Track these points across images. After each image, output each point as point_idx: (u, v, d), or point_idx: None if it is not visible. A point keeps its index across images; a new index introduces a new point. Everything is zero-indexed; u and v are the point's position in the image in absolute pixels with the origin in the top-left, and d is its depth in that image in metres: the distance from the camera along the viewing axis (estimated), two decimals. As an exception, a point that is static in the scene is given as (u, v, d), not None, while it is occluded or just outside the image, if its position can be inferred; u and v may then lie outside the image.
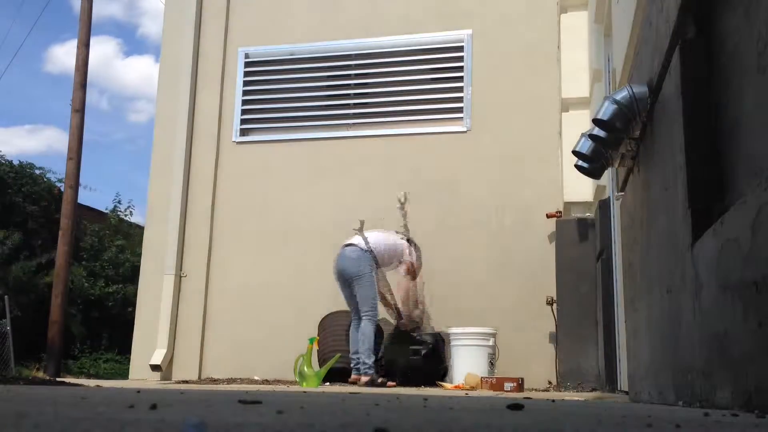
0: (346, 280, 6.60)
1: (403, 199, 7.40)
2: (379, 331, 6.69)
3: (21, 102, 50.50)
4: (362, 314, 6.48)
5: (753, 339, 1.92)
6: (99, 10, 52.21)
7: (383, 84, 8.39)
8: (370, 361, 6.34)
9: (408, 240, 6.92)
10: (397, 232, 6.98)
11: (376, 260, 6.62)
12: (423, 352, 6.68)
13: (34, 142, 47.78)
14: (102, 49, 51.04)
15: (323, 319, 7.20)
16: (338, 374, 6.68)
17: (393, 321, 6.99)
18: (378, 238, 6.75)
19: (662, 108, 3.23)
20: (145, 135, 66.68)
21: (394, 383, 6.34)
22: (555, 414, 1.95)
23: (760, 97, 2.13)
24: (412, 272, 6.82)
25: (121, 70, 54.06)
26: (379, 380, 6.30)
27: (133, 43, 59.87)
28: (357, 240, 6.71)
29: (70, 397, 2.38)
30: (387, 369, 6.66)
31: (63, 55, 52.20)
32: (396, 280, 6.92)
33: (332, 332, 7.06)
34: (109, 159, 54.66)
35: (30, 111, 53.58)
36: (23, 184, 17.05)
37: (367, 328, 6.42)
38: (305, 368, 6.42)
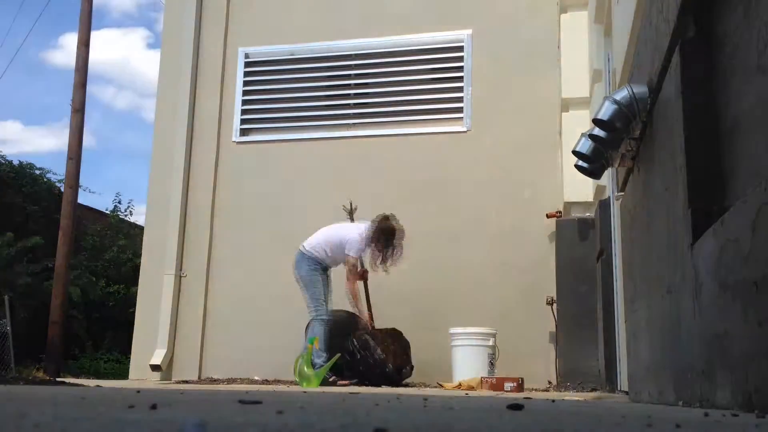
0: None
1: (350, 208, 7.30)
2: (338, 329, 6.67)
3: (44, 99, 50.32)
4: (311, 315, 6.61)
5: (753, 339, 1.92)
6: (122, 4, 51.92)
7: (383, 84, 8.39)
8: (320, 360, 6.42)
9: (378, 232, 6.58)
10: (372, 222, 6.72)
11: (318, 260, 6.66)
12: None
13: (54, 141, 47.49)
14: (126, 42, 50.41)
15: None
16: (337, 374, 6.67)
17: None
18: (326, 236, 6.71)
19: (662, 108, 3.23)
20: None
21: (346, 381, 6.35)
22: (555, 414, 1.95)
23: (760, 97, 2.13)
24: (354, 271, 6.64)
25: (143, 64, 53.43)
26: (331, 379, 6.36)
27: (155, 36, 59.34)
28: (305, 241, 6.77)
29: (70, 397, 2.38)
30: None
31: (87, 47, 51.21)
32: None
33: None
34: (123, 159, 54.16)
35: (51, 108, 53.42)
36: (23, 185, 17.03)
37: (314, 328, 6.53)
38: (305, 368, 6.42)
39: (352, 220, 7.24)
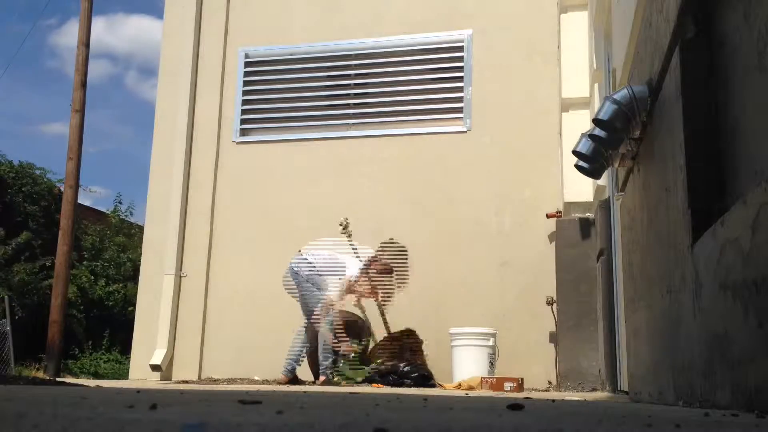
0: None
1: (344, 224, 7.44)
2: (352, 329, 6.74)
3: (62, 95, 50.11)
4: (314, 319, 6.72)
5: (753, 339, 1.92)
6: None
7: (383, 84, 8.39)
8: (327, 361, 6.47)
9: (372, 259, 6.74)
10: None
11: (306, 276, 6.76)
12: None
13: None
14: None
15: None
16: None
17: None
18: (330, 252, 6.78)
19: (662, 108, 3.23)
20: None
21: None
22: (555, 414, 1.95)
23: (761, 97, 2.13)
24: (348, 289, 6.71)
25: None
26: (335, 379, 6.44)
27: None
28: (306, 247, 6.88)
29: (70, 397, 2.38)
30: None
31: (103, 33, 49.85)
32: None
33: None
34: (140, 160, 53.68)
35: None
36: (23, 184, 17.04)
37: (321, 330, 6.59)
38: (348, 371, 6.45)
39: (347, 235, 7.38)
